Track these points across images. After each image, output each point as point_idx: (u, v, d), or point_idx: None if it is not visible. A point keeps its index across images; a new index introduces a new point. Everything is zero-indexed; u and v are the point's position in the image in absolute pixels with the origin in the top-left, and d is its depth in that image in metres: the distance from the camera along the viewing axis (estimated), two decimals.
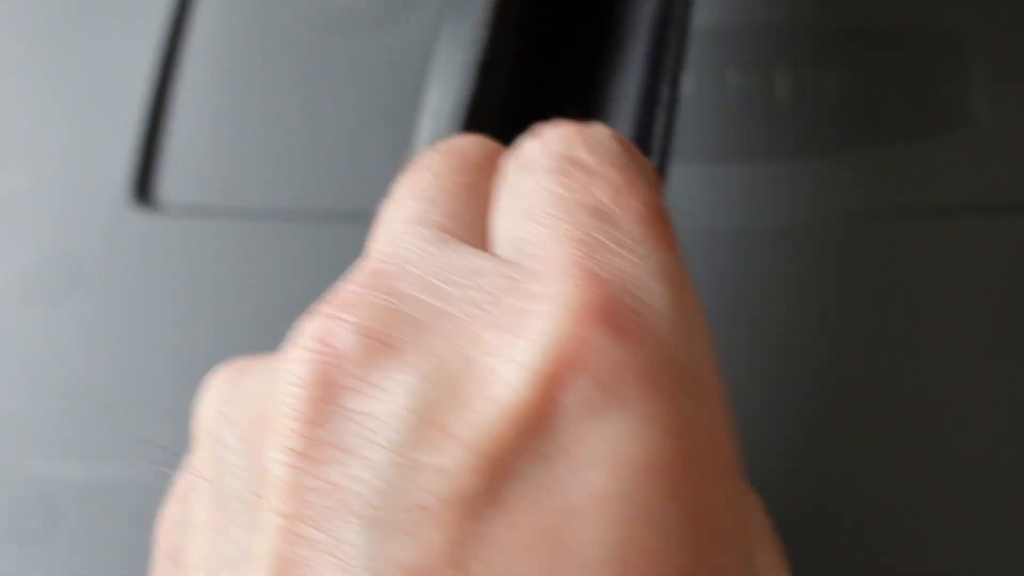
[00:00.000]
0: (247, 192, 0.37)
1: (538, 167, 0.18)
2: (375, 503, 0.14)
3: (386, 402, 0.15)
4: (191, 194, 0.37)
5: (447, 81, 0.26)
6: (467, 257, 0.17)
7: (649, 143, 0.23)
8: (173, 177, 0.37)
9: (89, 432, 0.33)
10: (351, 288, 0.16)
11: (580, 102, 0.26)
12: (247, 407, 0.17)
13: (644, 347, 0.15)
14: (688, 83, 0.34)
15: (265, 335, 0.34)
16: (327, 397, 0.15)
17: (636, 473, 0.14)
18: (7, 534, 0.31)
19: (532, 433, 0.14)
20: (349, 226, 0.35)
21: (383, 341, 0.15)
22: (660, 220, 0.16)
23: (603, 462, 0.14)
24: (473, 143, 0.20)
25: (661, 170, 0.22)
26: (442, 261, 0.16)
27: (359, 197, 0.36)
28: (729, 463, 0.15)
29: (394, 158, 0.37)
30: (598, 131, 0.19)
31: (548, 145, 0.18)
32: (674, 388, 0.15)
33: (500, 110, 0.26)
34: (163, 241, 0.36)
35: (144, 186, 0.37)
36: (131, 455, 0.32)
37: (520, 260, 0.16)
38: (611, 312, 0.15)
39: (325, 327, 0.16)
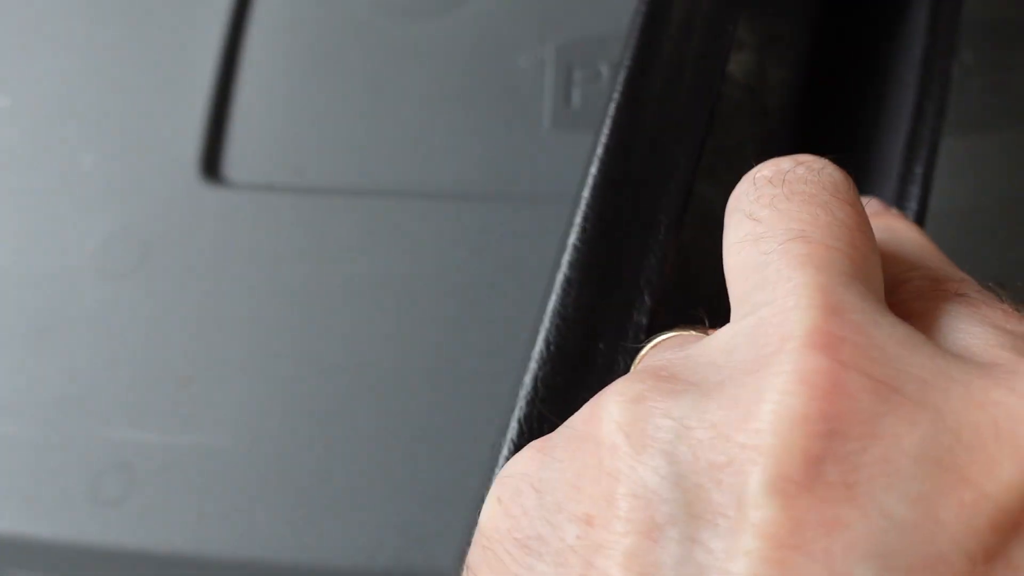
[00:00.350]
0: (311, 169, 0.38)
1: (952, 299, 0.19)
2: (891, 547, 0.14)
3: (899, 448, 0.15)
4: (258, 171, 0.38)
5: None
6: (923, 339, 0.18)
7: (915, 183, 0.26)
8: (240, 155, 0.38)
9: (165, 401, 0.34)
10: (829, 330, 0.16)
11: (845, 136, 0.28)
12: (697, 429, 0.16)
13: None
14: None
15: (328, 306, 0.35)
16: (834, 434, 0.15)
17: None
18: (88, 498, 0.33)
19: None
20: (410, 202, 0.36)
21: (894, 388, 0.16)
22: None
23: None
24: (844, 182, 0.20)
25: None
26: (909, 335, 0.17)
27: (420, 175, 0.37)
28: None
29: (454, 139, 0.37)
30: (965, 279, 0.20)
31: (944, 284, 0.20)
32: None
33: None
34: (231, 216, 0.37)
35: (212, 163, 0.38)
36: (203, 422, 0.33)
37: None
38: None
39: (828, 366, 0.16)
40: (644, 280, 0.25)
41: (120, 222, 0.37)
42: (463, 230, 0.36)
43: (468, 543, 0.19)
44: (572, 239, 0.25)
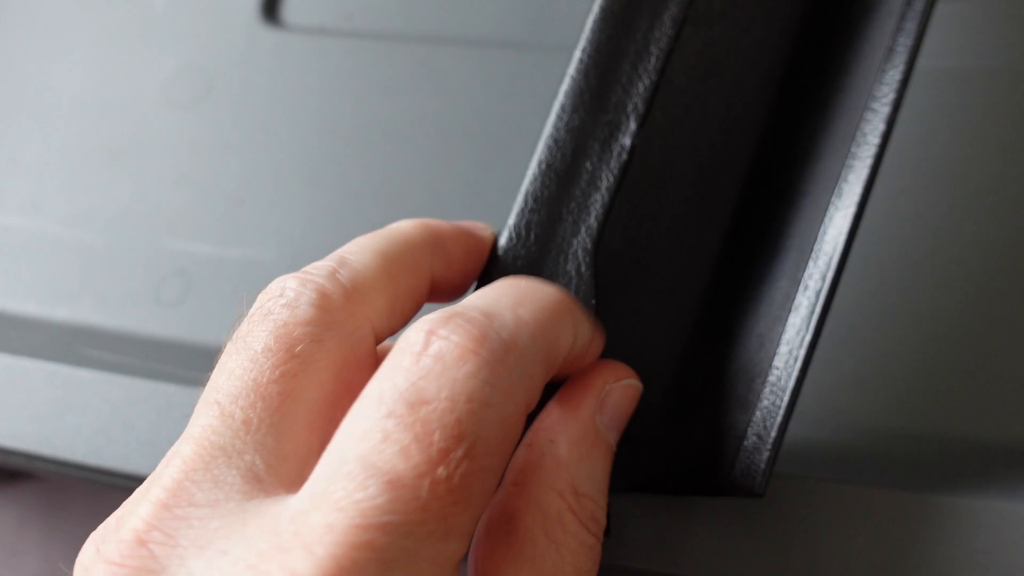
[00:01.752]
0: (360, 15, 0.40)
1: None
2: None
3: None
4: (312, 16, 0.41)
5: None
6: None
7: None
8: (297, 0, 0.41)
9: (220, 218, 0.38)
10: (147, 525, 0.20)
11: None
12: None
13: None
14: None
15: (369, 140, 0.38)
16: None
17: None
18: (151, 299, 0.37)
19: None
20: (450, 48, 0.39)
21: None
22: None
23: None
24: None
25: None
26: None
27: (461, 24, 0.39)
28: None
29: None
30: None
31: None
32: None
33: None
34: (287, 56, 0.40)
35: (272, 7, 0.41)
36: (253, 239, 0.37)
37: None
38: None
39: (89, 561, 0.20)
40: (632, 106, 0.27)
41: (187, 58, 0.41)
42: (499, 75, 0.38)
43: None
44: (570, 70, 0.27)
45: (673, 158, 0.28)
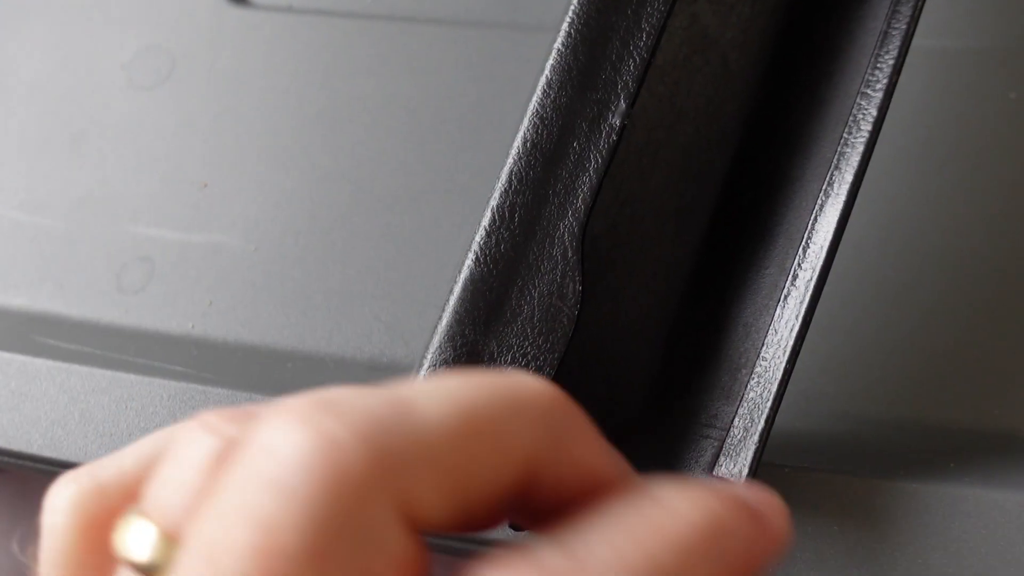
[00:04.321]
0: None
1: None
2: None
3: None
4: None
5: None
6: None
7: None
8: None
9: (183, 203, 0.37)
10: None
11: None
12: None
13: None
14: None
15: (336, 123, 0.37)
16: None
17: None
18: (113, 286, 0.36)
19: None
20: (421, 28, 0.38)
21: None
22: None
23: None
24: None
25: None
26: None
27: (442, 1, 0.38)
28: None
29: None
30: None
31: None
32: None
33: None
34: (252, 36, 0.39)
35: None
36: (217, 224, 0.36)
37: None
38: None
39: None
40: (621, 84, 0.26)
41: (150, 38, 0.40)
42: (471, 55, 0.37)
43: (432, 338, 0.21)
44: (556, 44, 0.26)
45: (658, 139, 0.27)
